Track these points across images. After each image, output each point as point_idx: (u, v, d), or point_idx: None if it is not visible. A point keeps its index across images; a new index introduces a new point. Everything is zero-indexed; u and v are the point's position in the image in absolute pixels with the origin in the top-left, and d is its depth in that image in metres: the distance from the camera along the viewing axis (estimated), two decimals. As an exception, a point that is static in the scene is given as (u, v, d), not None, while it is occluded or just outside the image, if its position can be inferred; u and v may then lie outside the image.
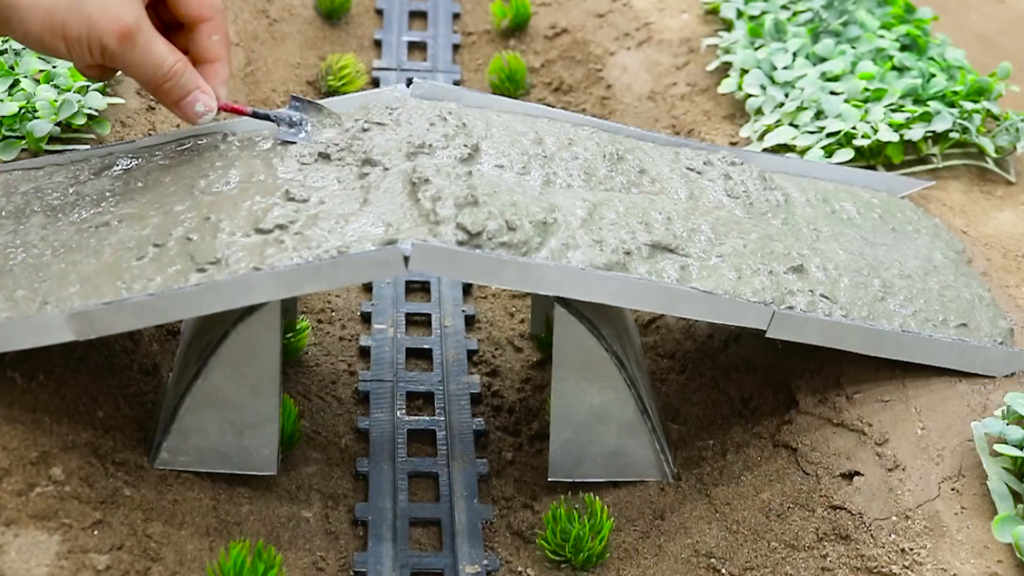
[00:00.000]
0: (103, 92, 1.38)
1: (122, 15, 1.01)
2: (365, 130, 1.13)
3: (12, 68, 1.37)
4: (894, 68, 1.51)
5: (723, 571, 1.05)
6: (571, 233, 1.05)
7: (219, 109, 1.09)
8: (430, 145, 1.11)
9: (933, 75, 1.48)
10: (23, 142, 1.29)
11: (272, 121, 1.14)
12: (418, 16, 1.93)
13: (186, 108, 1.07)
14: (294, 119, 1.13)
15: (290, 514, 1.11)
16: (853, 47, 1.56)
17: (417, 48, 1.86)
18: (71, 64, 1.41)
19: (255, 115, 1.13)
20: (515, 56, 1.75)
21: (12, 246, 1.07)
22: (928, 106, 1.42)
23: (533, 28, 1.89)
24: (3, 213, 1.12)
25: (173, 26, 1.10)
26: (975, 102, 1.45)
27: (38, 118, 1.29)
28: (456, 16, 1.93)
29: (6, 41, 1.42)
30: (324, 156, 1.11)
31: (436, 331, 1.37)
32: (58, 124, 1.31)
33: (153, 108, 1.46)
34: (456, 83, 1.78)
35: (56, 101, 1.31)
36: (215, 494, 1.09)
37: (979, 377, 1.10)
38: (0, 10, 1.00)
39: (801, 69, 1.53)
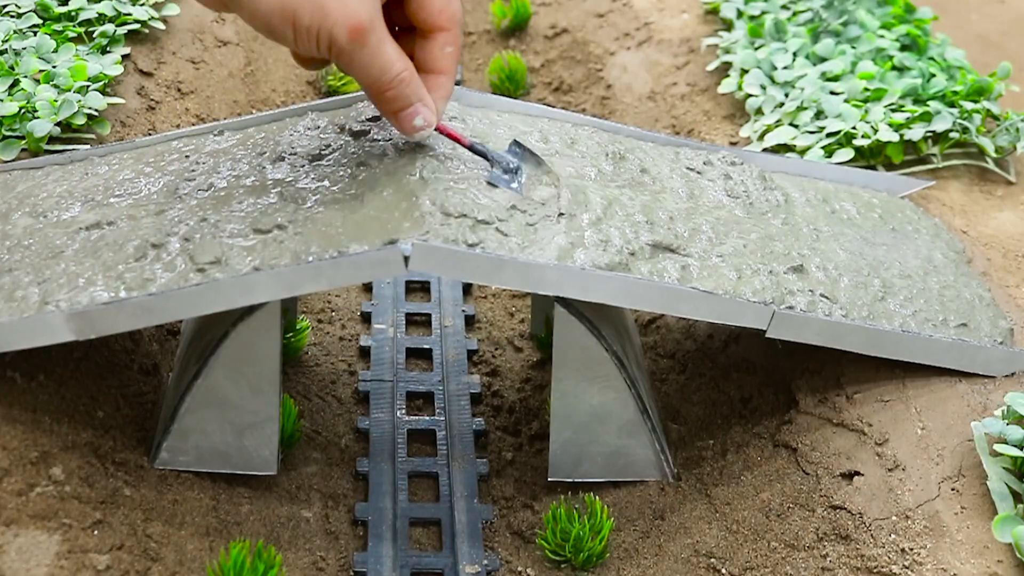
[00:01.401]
0: (103, 92, 1.38)
1: (358, 10, 0.94)
2: (364, 131, 1.13)
3: (12, 68, 1.37)
4: (894, 68, 1.51)
5: (723, 571, 1.05)
6: (580, 232, 1.04)
7: (436, 128, 1.02)
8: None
9: (933, 75, 1.48)
10: (23, 142, 1.29)
11: (488, 160, 1.06)
12: (418, 16, 1.93)
13: (404, 120, 1.01)
14: (511, 165, 1.06)
15: (290, 514, 1.11)
16: (853, 47, 1.56)
17: (417, 48, 1.86)
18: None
19: (472, 148, 1.05)
20: (515, 56, 1.75)
21: (11, 246, 1.07)
22: (928, 106, 1.42)
23: (533, 28, 1.89)
24: (2, 213, 1.12)
25: (404, 29, 1.03)
26: (975, 102, 1.45)
27: (38, 118, 1.29)
28: (456, 16, 1.93)
29: (6, 40, 1.42)
30: (319, 157, 1.11)
31: (436, 331, 1.37)
32: (58, 124, 1.31)
33: (153, 108, 1.46)
34: (456, 83, 1.77)
35: (56, 101, 1.31)
36: (215, 494, 1.09)
37: (979, 377, 1.10)
38: None
39: (801, 69, 1.53)
